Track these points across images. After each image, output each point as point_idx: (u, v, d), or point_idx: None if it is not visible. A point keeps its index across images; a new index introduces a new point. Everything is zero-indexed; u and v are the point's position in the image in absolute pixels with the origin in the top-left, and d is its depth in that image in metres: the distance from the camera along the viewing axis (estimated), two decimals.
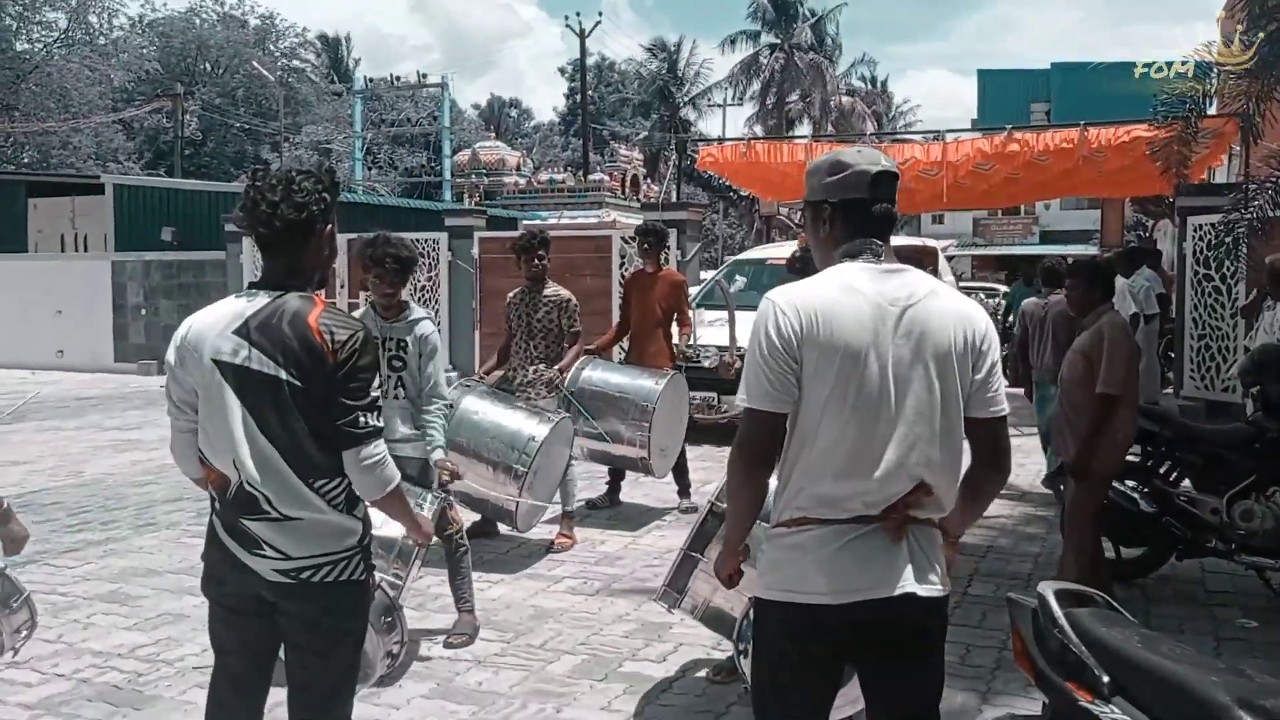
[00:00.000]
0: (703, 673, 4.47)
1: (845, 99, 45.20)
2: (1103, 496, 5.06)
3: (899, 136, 27.09)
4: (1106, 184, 14.09)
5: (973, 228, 42.75)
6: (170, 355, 2.67)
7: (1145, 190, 14.64)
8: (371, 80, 44.55)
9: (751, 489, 2.39)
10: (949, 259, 42.19)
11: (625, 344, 7.85)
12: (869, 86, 49.66)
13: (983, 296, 24.55)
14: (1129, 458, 5.38)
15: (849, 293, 2.29)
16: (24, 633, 3.33)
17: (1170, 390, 11.43)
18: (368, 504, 2.74)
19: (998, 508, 7.64)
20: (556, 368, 6.57)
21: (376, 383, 2.62)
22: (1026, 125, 14.60)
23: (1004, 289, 26.21)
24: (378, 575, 3.38)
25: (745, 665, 3.65)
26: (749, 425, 2.33)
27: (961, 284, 28.79)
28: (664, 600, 4.17)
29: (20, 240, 21.17)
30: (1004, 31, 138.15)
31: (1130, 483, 5.63)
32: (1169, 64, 20.76)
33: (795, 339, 2.26)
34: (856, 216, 2.39)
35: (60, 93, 37.49)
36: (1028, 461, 9.30)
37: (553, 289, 6.62)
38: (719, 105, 48.15)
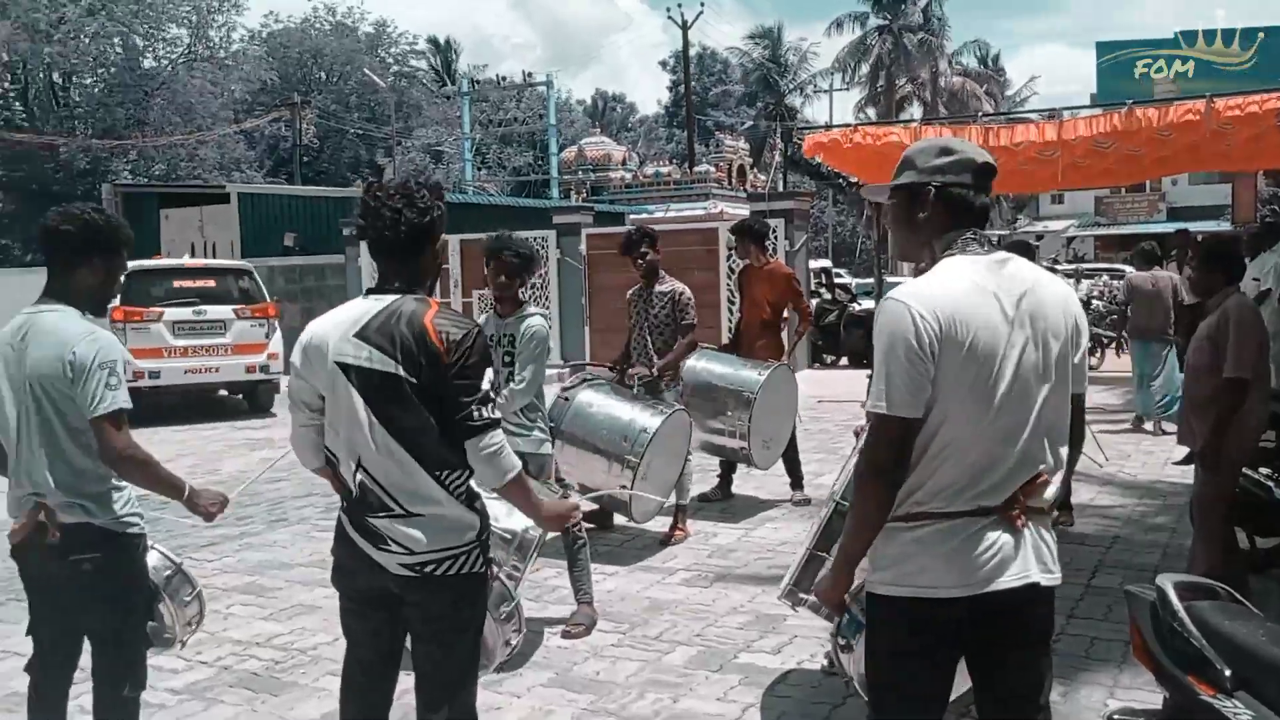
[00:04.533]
0: (818, 664, 4.47)
1: (956, 79, 44.20)
2: (1233, 485, 4.88)
3: (1014, 116, 26.32)
4: (1236, 157, 13.41)
5: (1095, 207, 41.34)
6: (295, 356, 2.81)
7: (1278, 162, 13.95)
8: (479, 82, 45.28)
9: (885, 510, 2.29)
10: (1069, 240, 40.61)
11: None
12: (981, 66, 48.42)
13: (1106, 279, 23.72)
14: (1262, 444, 5.18)
15: (977, 291, 2.27)
16: (193, 626, 3.53)
17: None
18: (492, 496, 2.84)
19: (1124, 497, 7.44)
20: (659, 364, 6.47)
21: (490, 376, 2.72)
22: (1149, 99, 14.00)
23: (1130, 270, 25.15)
24: (495, 566, 3.48)
25: (845, 660, 3.62)
26: (884, 434, 2.26)
27: (1085, 266, 27.94)
28: (788, 599, 4.12)
29: (154, 250, 22.15)
30: (1122, 3, 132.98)
31: (1264, 470, 5.41)
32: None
33: (936, 342, 2.22)
34: (960, 205, 2.38)
35: (185, 107, 39.11)
36: (1156, 449, 9.02)
37: (667, 284, 6.58)
38: (825, 91, 47.64)
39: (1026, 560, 2.29)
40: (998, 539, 2.28)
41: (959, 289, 2.27)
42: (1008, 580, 2.27)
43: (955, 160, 2.38)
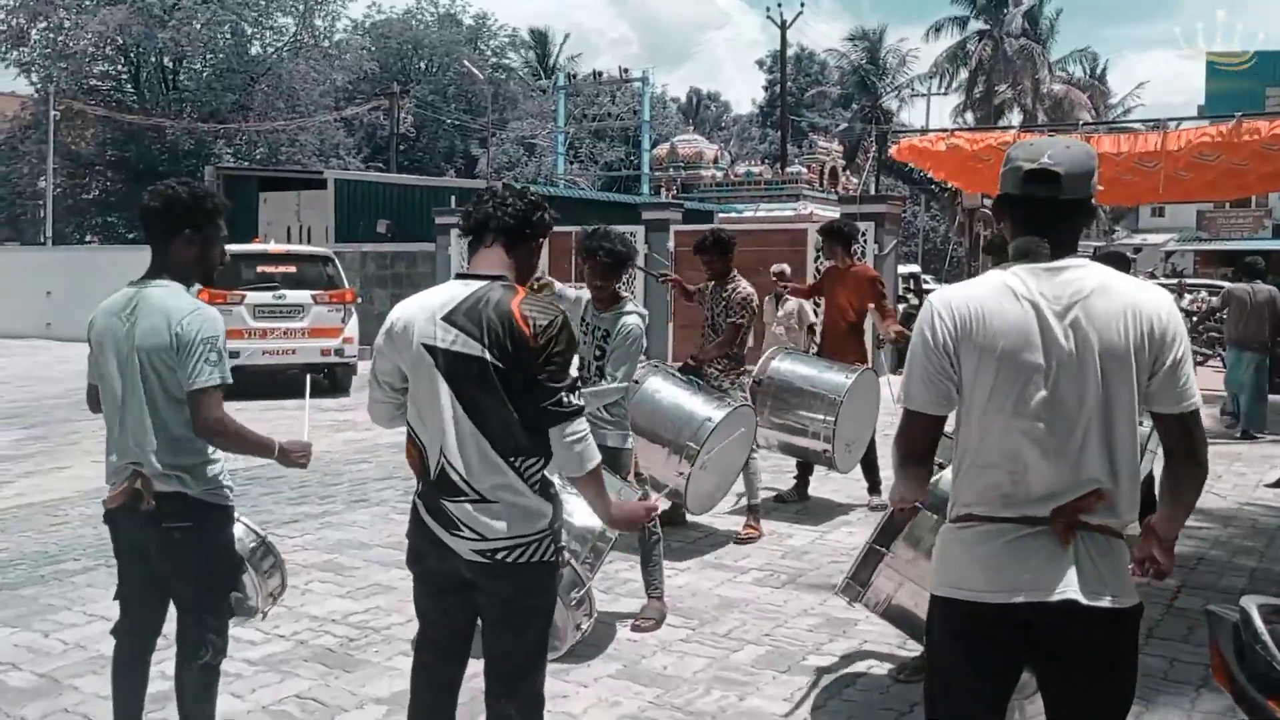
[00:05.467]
0: (888, 670, 4.44)
1: (1059, 87, 43.16)
2: None
3: (1116, 125, 25.57)
4: None
5: (1196, 221, 40.06)
6: (380, 337, 2.88)
7: None
8: (575, 77, 45.61)
9: (910, 480, 2.45)
10: (1168, 254, 39.52)
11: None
12: (1086, 74, 47.22)
13: (1205, 295, 23.09)
14: None
15: (1005, 295, 2.26)
16: (275, 597, 3.63)
17: None
18: (571, 493, 2.88)
19: (1211, 518, 7.22)
20: (699, 355, 6.46)
21: (576, 364, 2.77)
22: (1259, 112, 13.55)
23: (1230, 286, 24.36)
24: (567, 554, 3.52)
25: None
26: (906, 424, 2.38)
27: (1187, 280, 27.17)
28: (846, 593, 4.13)
29: (252, 231, 22.79)
30: (1236, 9, 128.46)
31: None
32: None
33: (951, 341, 2.26)
34: (1020, 212, 2.36)
35: (288, 93, 40.11)
36: (1248, 471, 8.75)
37: (732, 286, 6.54)
38: (922, 95, 46.94)
39: (1067, 577, 2.21)
40: (1037, 551, 2.24)
41: (984, 291, 2.28)
42: (1040, 593, 2.21)
43: (1008, 170, 2.35)
